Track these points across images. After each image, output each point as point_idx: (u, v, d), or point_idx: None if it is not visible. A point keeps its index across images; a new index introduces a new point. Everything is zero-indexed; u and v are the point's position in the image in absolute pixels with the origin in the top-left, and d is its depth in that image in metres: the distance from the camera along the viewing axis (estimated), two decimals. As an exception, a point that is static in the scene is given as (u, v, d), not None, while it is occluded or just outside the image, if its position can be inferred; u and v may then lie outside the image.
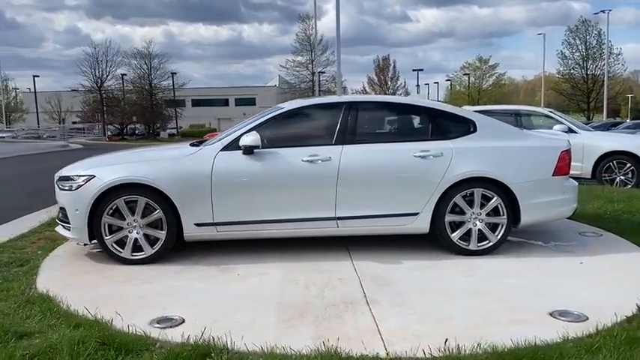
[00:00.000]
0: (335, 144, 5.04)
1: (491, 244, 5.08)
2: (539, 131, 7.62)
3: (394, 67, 64.77)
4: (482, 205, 5.05)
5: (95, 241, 5.01)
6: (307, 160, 4.93)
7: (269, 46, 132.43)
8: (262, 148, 4.97)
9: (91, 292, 4.26)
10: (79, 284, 4.46)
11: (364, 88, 65.24)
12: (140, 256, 4.93)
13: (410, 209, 5.01)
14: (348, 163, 4.94)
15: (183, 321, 3.61)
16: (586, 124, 29.45)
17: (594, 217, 6.67)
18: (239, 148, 4.92)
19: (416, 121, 5.46)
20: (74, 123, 64.15)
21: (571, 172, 10.06)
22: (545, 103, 71.80)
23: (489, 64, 66.08)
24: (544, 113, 11.30)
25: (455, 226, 5.09)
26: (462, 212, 5.06)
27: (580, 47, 54.85)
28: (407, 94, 66.12)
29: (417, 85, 68.66)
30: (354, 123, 5.12)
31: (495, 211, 5.07)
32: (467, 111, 5.56)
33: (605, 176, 10.25)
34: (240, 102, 73.17)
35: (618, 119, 50.79)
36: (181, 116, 60.46)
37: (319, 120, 5.47)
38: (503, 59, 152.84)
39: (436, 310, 3.79)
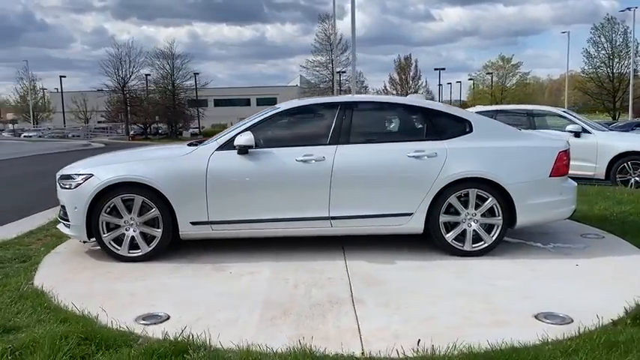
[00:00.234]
0: (329, 144, 5.05)
1: (486, 245, 5.04)
2: (542, 132, 7.51)
3: (415, 66, 64.46)
4: (477, 206, 5.01)
5: (94, 238, 5.11)
6: (301, 160, 4.96)
7: (291, 45, 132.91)
8: (258, 147, 5.02)
9: (85, 288, 4.36)
10: (74, 280, 4.56)
11: (385, 87, 65.07)
12: (137, 253, 5.02)
13: (404, 209, 5.00)
14: (341, 163, 4.95)
15: (169, 318, 3.67)
16: (610, 123, 28.93)
17: (599, 219, 6.56)
18: (234, 147, 4.98)
19: (411, 121, 5.44)
20: (99, 122, 65.38)
21: (584, 173, 10.15)
22: (571, 102, 70.62)
23: (512, 63, 65.25)
24: (557, 113, 11.13)
25: (450, 226, 5.06)
26: (457, 213, 5.03)
27: (605, 45, 53.79)
28: (428, 93, 65.74)
29: (439, 85, 68.40)
30: (349, 123, 5.13)
31: (491, 212, 5.03)
32: (463, 111, 5.53)
33: (619, 177, 10.06)
34: (261, 102, 73.42)
35: (645, 119, 49.67)
36: (203, 116, 61.07)
37: (314, 120, 5.50)
38: (529, 58, 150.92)
39: (420, 310, 3.78)
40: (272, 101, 71.46)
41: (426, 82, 66.63)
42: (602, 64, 54.29)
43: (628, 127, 26.69)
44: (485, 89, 67.17)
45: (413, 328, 3.45)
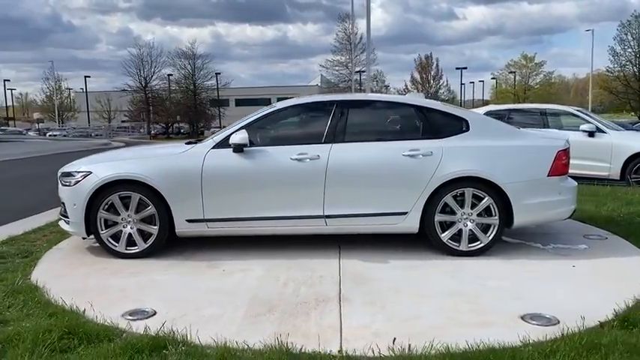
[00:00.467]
0: (324, 142, 5.05)
1: (482, 245, 4.99)
2: (549, 131, 7.39)
3: (437, 65, 63.97)
4: (473, 205, 4.96)
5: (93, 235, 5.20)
6: (296, 159, 4.96)
7: (313, 45, 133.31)
8: (254, 146, 5.05)
9: (79, 283, 4.44)
10: (70, 275, 4.65)
11: (406, 86, 64.72)
12: (134, 250, 5.08)
13: (398, 208, 4.97)
14: (336, 162, 4.95)
15: (155, 313, 3.71)
16: (635, 123, 28.27)
17: (606, 220, 6.43)
18: (230, 146, 5.01)
19: (407, 119, 5.39)
20: (123, 122, 66.35)
21: (598, 173, 9.96)
22: (597, 102, 69.24)
23: (535, 61, 64.28)
24: (571, 112, 10.93)
25: (446, 226, 5.02)
26: (453, 212, 4.99)
27: (632, 43, 52.40)
28: (450, 92, 65.24)
29: (462, 84, 67.63)
30: (345, 122, 5.12)
31: (487, 212, 4.97)
32: (460, 110, 5.47)
33: (634, 178, 9.85)
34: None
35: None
36: (224, 116, 61.47)
37: (310, 119, 5.51)
38: (555, 57, 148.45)
39: (406, 309, 3.76)
40: (292, 101, 71.66)
41: (447, 81, 66.00)
42: (628, 63, 52.95)
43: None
44: (508, 88, 66.30)
45: (394, 328, 3.43)
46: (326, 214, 4.99)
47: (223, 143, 5.07)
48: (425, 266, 4.76)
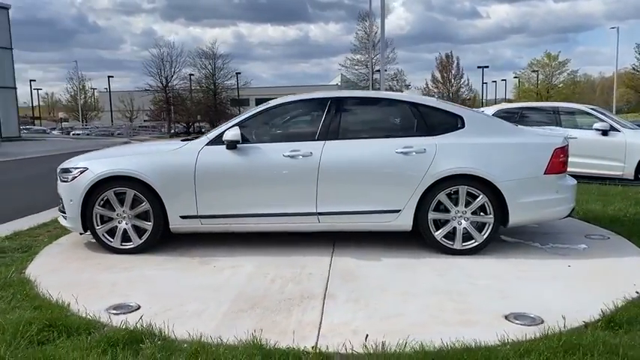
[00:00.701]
0: (317, 139, 5.03)
1: (477, 243, 4.92)
2: (549, 129, 7.26)
3: (457, 64, 63.38)
4: (467, 204, 4.90)
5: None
6: (288, 156, 4.95)
7: (335, 44, 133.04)
8: (248, 143, 5.06)
9: (71, 277, 4.49)
10: (64, 270, 4.71)
11: (427, 85, 64.27)
12: (129, 245, 5.13)
13: (391, 206, 4.93)
14: (328, 159, 4.92)
15: (139, 308, 3.74)
16: (657, 122, 27.57)
17: (611, 219, 6.29)
18: (223, 143, 5.02)
19: (401, 116, 5.33)
20: (145, 121, 67.13)
21: (612, 173, 9.75)
22: (624, 101, 67.82)
23: (559, 60, 63.24)
24: (584, 110, 10.72)
25: (440, 224, 4.96)
26: (447, 210, 4.93)
27: (659, 41, 51.36)
28: (470, 91, 64.60)
29: (484, 83, 66.84)
30: (338, 119, 5.09)
31: (482, 210, 4.91)
32: (456, 106, 5.39)
33: (649, 177, 9.62)
34: (302, 101, 73.71)
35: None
36: (245, 115, 61.76)
37: (304, 116, 5.49)
38: (580, 55, 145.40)
39: (389, 307, 3.73)
40: (312, 100, 71.70)
41: (468, 80, 65.28)
42: (654, 60, 51.96)
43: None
44: (531, 87, 65.33)
45: (373, 325, 3.40)
46: (319, 211, 4.97)
47: (217, 140, 5.09)
48: (417, 264, 4.71)
